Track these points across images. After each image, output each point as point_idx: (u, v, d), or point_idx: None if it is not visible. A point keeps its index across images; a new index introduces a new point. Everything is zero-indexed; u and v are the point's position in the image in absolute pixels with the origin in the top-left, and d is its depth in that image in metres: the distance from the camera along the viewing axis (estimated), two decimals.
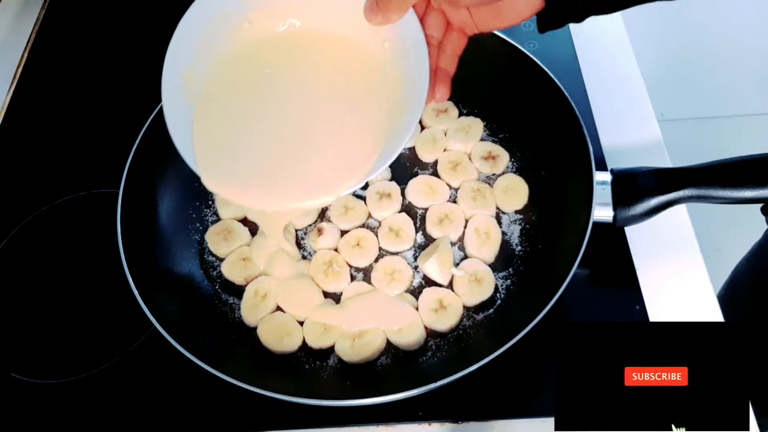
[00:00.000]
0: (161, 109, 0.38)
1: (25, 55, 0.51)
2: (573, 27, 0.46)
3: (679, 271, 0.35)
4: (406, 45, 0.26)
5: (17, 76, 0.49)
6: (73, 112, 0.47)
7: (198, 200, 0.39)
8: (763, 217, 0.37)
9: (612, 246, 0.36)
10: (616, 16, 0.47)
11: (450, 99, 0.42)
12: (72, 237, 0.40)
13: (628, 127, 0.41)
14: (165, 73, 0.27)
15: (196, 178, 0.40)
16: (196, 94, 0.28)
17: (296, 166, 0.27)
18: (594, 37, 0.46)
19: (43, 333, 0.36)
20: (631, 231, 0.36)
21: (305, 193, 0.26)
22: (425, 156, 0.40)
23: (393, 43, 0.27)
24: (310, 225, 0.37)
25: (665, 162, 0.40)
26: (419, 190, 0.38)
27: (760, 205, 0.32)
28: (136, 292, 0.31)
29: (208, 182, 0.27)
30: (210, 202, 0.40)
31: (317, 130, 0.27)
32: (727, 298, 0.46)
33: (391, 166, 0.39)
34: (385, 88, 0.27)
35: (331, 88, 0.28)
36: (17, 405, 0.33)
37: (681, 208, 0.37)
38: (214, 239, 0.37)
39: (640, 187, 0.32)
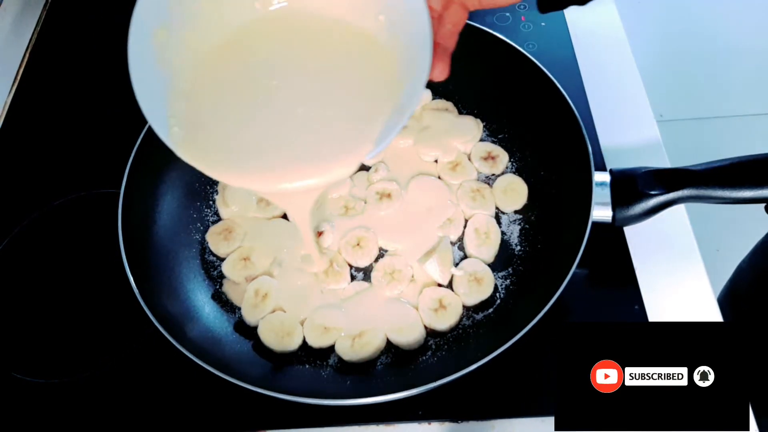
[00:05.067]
0: None
1: (27, 55, 0.51)
2: (571, 27, 0.46)
3: (678, 271, 0.35)
4: (403, 16, 0.24)
5: (18, 77, 0.49)
6: (74, 112, 0.47)
7: (199, 200, 0.39)
8: (764, 217, 0.37)
9: (611, 246, 0.36)
10: (615, 17, 0.47)
11: (450, 99, 0.43)
12: (72, 237, 0.40)
13: (627, 127, 0.41)
14: (133, 23, 0.23)
15: (197, 178, 0.41)
16: (169, 61, 0.25)
17: (289, 145, 0.25)
18: (592, 38, 0.46)
19: (43, 333, 0.36)
20: (630, 231, 0.36)
21: (297, 174, 0.24)
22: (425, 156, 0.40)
23: (388, 15, 0.25)
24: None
25: (664, 162, 0.40)
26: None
27: (759, 205, 0.32)
28: (136, 291, 0.31)
29: (187, 156, 0.24)
30: (211, 202, 0.40)
31: (311, 109, 0.25)
32: (730, 295, 0.46)
33: (391, 167, 0.40)
34: (382, 64, 0.25)
35: (325, 66, 0.26)
36: (17, 405, 0.33)
37: (680, 208, 0.37)
38: (214, 239, 0.37)
39: (639, 188, 0.32)
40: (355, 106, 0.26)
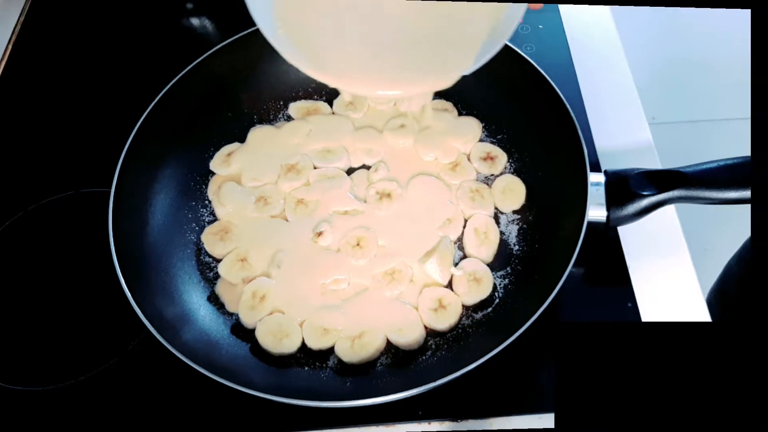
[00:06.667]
0: (155, 106, 0.37)
1: (9, 48, 0.49)
2: (568, 30, 0.47)
3: (668, 270, 0.36)
4: None
5: (0, 70, 0.48)
6: (62, 107, 0.46)
7: (194, 199, 0.39)
8: (746, 217, 0.38)
9: (605, 245, 0.37)
10: (610, 22, 0.48)
11: (449, 100, 0.43)
12: (60, 238, 0.38)
13: (621, 129, 0.42)
14: None
15: (192, 177, 0.40)
16: None
17: (386, 56, 0.26)
18: (588, 42, 0.47)
19: (30, 338, 0.35)
20: (623, 231, 0.37)
21: (390, 85, 0.26)
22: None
23: None
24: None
25: (655, 164, 0.41)
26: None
27: (746, 205, 0.33)
28: (128, 294, 0.30)
29: (288, 56, 0.25)
30: (206, 202, 0.39)
31: (412, 23, 0.26)
32: (718, 293, 0.47)
33: (391, 167, 0.40)
34: None
35: None
36: (3, 413, 0.32)
37: (670, 209, 0.38)
38: (210, 240, 0.36)
39: (632, 188, 0.32)
40: (455, 24, 0.26)
